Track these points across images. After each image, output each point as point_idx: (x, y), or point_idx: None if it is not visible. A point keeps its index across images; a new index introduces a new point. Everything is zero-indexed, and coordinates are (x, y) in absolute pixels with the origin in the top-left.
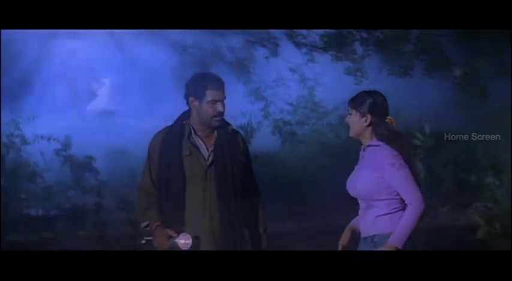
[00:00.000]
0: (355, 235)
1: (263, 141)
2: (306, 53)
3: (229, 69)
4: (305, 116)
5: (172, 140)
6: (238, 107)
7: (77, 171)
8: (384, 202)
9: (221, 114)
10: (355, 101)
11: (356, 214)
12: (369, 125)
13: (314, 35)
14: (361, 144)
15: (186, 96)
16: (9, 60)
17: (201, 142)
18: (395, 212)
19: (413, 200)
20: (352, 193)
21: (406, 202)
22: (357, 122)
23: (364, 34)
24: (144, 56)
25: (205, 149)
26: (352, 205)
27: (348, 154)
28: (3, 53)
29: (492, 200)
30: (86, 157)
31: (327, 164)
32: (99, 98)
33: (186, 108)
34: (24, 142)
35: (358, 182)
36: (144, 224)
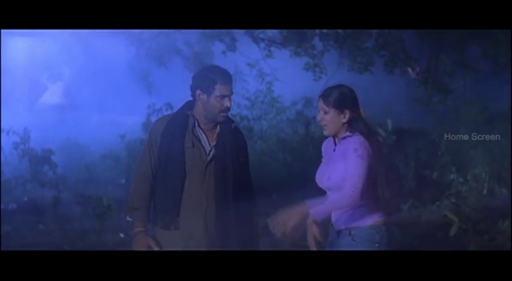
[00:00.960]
0: (305, 219)
1: None
2: (264, 48)
3: (186, 63)
4: (263, 111)
5: (175, 129)
6: None
7: (35, 165)
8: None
9: (228, 109)
10: (330, 98)
11: None
12: (346, 122)
13: (273, 30)
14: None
15: (193, 89)
16: None
17: (203, 135)
18: (373, 203)
19: (350, 191)
20: (325, 185)
21: (342, 186)
22: (335, 120)
23: (324, 29)
24: (100, 50)
25: (208, 143)
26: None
27: (306, 150)
28: None
29: (457, 197)
30: (44, 151)
31: (284, 159)
32: (57, 91)
33: (142, 103)
34: None
35: (332, 174)
36: (129, 219)
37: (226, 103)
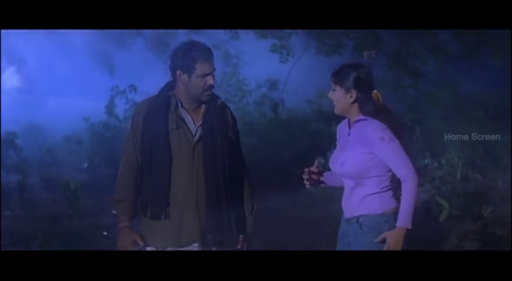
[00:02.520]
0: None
1: None
2: (229, 30)
3: (148, 45)
4: (229, 93)
5: (157, 112)
6: (157, 85)
7: None
8: (373, 180)
9: (211, 87)
10: (339, 76)
11: (285, 194)
12: (354, 102)
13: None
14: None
15: (173, 69)
16: None
17: (188, 115)
18: (384, 191)
19: (408, 174)
20: (339, 171)
21: (399, 177)
22: (342, 99)
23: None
24: (61, 32)
25: (193, 123)
26: (285, 186)
27: (273, 133)
28: None
29: (435, 181)
30: (8, 134)
31: (251, 142)
32: (18, 74)
33: (104, 85)
34: None
35: (347, 160)
36: (114, 212)
37: (210, 81)
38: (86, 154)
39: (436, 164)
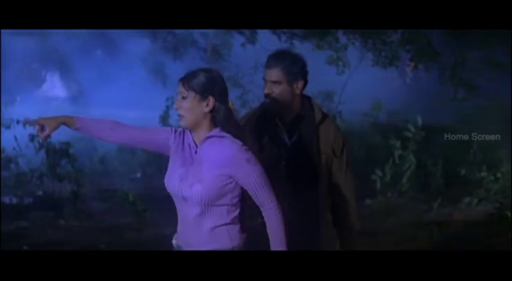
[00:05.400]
0: None
1: None
2: (285, 41)
3: (202, 56)
4: None
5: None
6: None
7: (53, 158)
8: (223, 209)
9: None
10: (191, 79)
11: None
12: (210, 111)
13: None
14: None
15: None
16: None
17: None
18: (234, 223)
19: (274, 200)
20: (186, 194)
21: (261, 204)
22: (196, 107)
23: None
24: (115, 43)
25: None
26: None
27: None
28: None
29: (491, 193)
30: (62, 144)
31: None
32: (72, 84)
33: (155, 95)
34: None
35: (197, 182)
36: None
37: None
38: (139, 164)
39: (492, 178)
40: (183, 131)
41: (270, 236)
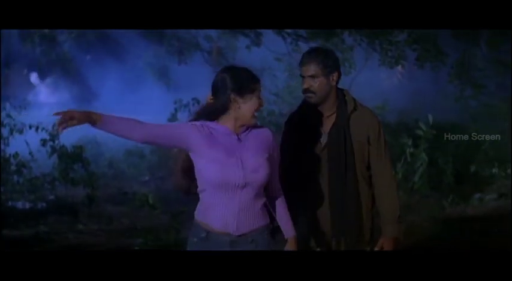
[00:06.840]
0: None
1: None
2: (290, 43)
3: (207, 58)
4: (293, 106)
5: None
6: None
7: (65, 162)
8: (263, 188)
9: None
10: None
11: None
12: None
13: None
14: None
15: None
16: None
17: None
18: (264, 202)
19: (280, 190)
20: (247, 180)
21: (271, 190)
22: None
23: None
24: (119, 46)
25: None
26: None
27: None
28: None
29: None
30: (75, 148)
31: None
32: (81, 88)
33: (161, 98)
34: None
35: (261, 167)
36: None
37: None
38: (147, 167)
39: (503, 174)
40: (204, 124)
41: (281, 223)
